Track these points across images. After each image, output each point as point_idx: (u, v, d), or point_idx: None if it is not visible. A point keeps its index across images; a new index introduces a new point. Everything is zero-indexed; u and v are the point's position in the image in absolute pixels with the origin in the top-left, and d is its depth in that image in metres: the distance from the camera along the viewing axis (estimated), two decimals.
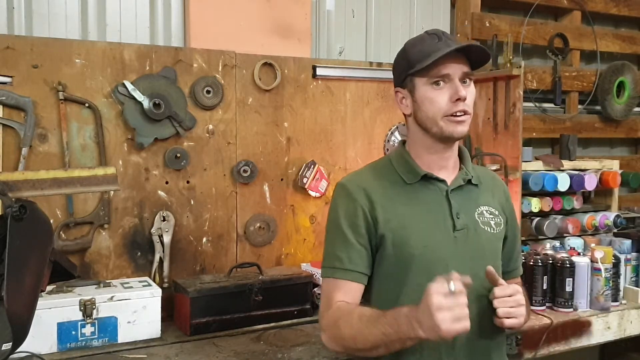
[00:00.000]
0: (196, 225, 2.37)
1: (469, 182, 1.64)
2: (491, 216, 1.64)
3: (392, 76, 1.68)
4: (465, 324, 1.29)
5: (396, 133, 2.75)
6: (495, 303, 1.47)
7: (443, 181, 1.61)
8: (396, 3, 2.96)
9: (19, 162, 2.06)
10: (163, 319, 2.09)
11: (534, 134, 3.34)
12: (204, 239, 2.39)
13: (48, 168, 1.70)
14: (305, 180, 2.54)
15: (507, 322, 1.47)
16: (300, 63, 2.55)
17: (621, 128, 3.68)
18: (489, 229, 1.62)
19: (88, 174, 1.62)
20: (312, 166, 2.56)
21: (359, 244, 1.56)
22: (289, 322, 2.23)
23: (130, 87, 2.20)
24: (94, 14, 2.33)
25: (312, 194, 2.57)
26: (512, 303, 1.47)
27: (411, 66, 1.54)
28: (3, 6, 2.19)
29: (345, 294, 1.55)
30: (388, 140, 2.75)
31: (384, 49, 2.92)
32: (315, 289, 2.32)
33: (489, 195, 1.68)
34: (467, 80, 1.56)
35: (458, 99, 1.51)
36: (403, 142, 1.69)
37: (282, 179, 2.54)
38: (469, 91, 1.55)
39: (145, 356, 1.92)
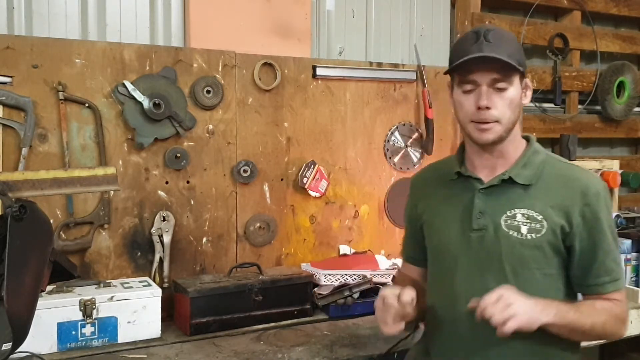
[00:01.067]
0: (196, 225, 2.37)
1: (510, 182, 1.55)
2: (526, 220, 1.52)
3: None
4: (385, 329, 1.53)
5: (396, 133, 2.75)
6: (487, 315, 1.37)
7: (479, 179, 1.60)
8: (396, 3, 2.95)
9: (19, 162, 2.06)
10: (163, 319, 2.09)
11: (534, 134, 3.31)
12: (204, 239, 2.39)
13: (48, 168, 1.70)
14: (305, 180, 2.54)
15: (507, 327, 1.36)
16: (300, 63, 2.55)
17: (621, 128, 3.68)
18: (514, 234, 1.52)
19: (88, 174, 1.62)
20: (312, 166, 2.56)
21: (409, 231, 1.82)
22: (289, 322, 2.23)
23: (130, 87, 2.20)
24: (94, 14, 2.33)
25: (312, 194, 2.57)
26: (502, 306, 1.37)
27: (449, 64, 1.55)
28: (3, 6, 2.18)
29: (405, 270, 1.86)
30: (388, 140, 2.74)
31: (384, 49, 2.91)
32: (315, 289, 2.32)
33: (540, 198, 1.54)
34: (502, 85, 1.49)
35: (479, 108, 1.49)
36: None
37: (282, 179, 2.54)
38: (501, 97, 1.49)
39: (145, 356, 1.92)
